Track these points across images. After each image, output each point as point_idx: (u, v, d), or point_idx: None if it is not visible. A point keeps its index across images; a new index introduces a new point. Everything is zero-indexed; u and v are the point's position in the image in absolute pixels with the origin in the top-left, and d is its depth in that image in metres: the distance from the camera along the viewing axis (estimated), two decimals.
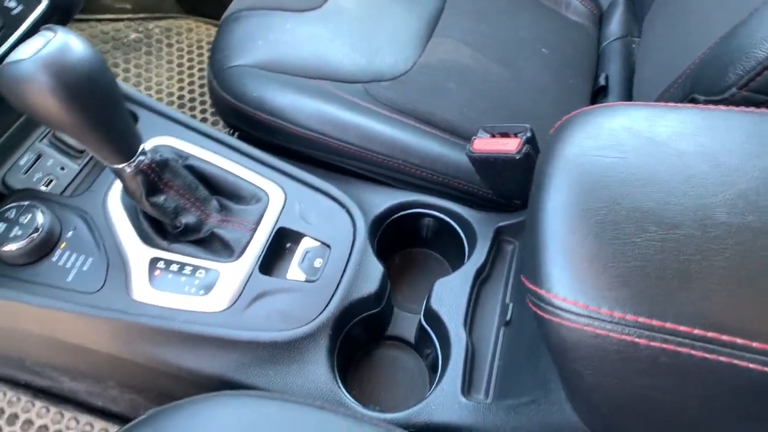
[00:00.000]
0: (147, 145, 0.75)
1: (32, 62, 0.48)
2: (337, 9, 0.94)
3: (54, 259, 0.66)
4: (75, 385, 0.89)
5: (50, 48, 0.49)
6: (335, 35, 0.91)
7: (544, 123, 0.89)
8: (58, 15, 0.70)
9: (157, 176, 0.64)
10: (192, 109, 1.44)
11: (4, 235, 0.64)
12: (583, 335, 0.38)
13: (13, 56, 0.49)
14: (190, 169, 0.72)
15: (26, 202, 0.66)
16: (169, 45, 1.56)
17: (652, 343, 0.37)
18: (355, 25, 0.93)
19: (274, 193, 0.74)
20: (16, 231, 0.64)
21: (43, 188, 0.73)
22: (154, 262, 0.66)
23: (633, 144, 0.44)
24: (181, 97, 1.46)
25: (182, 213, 0.67)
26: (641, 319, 0.37)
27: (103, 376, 0.74)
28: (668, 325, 0.36)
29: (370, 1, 0.97)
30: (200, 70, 1.52)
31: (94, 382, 0.80)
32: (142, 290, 0.64)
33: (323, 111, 0.79)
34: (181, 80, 1.50)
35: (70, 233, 0.68)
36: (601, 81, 1.02)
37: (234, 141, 0.77)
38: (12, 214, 0.65)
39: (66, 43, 0.50)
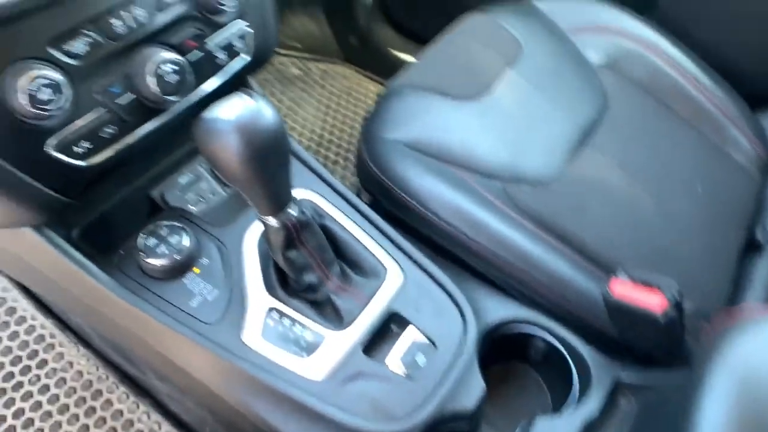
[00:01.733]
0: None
1: (229, 123, 0.53)
2: (495, 103, 0.95)
3: (185, 281, 0.70)
4: (159, 385, 0.94)
5: (246, 113, 0.54)
6: (487, 128, 0.92)
7: (688, 270, 0.84)
8: (256, 66, 0.77)
9: (297, 233, 0.67)
10: (327, 149, 1.52)
11: (152, 249, 0.69)
12: None
13: (213, 112, 0.54)
14: (324, 229, 0.75)
15: (178, 224, 0.72)
16: (323, 86, 1.67)
17: None
18: (508, 122, 0.94)
19: (394, 273, 0.74)
20: (162, 248, 0.69)
21: (192, 208, 0.79)
22: (270, 311, 0.68)
23: None
24: (321, 137, 1.55)
25: (307, 271, 0.69)
26: None
27: (189, 391, 0.78)
28: None
29: (529, 100, 0.97)
30: (344, 115, 1.61)
31: (178, 391, 0.84)
32: (253, 335, 0.67)
33: (459, 204, 0.80)
34: (325, 121, 1.59)
35: (205, 260, 0.72)
36: (758, 235, 0.94)
37: (370, 212, 0.79)
38: (164, 231, 0.71)
39: (260, 111, 0.55)
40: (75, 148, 0.58)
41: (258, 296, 0.69)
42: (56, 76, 0.53)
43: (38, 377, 1.07)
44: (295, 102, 1.61)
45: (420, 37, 1.60)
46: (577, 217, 0.84)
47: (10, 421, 1.02)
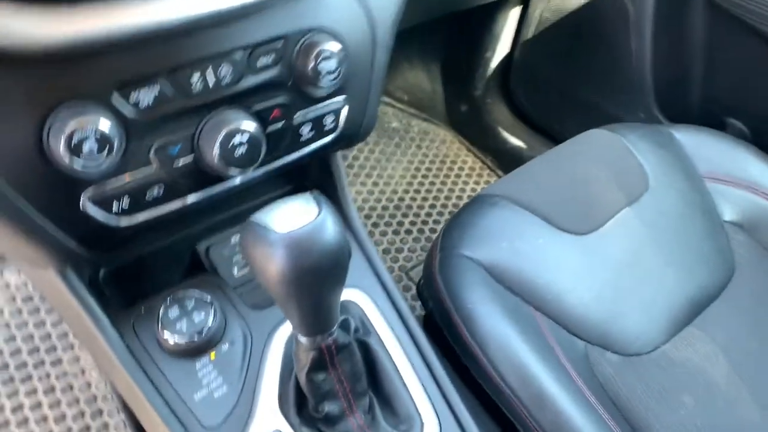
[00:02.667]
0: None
1: (280, 239, 0.44)
2: (603, 245, 0.82)
3: (197, 366, 0.62)
4: None
5: (303, 227, 0.45)
6: (585, 273, 0.79)
7: None
8: (342, 144, 0.69)
9: (330, 358, 0.57)
10: (404, 215, 1.43)
11: (171, 323, 0.62)
12: None
13: (266, 217, 0.46)
14: (365, 348, 0.65)
15: (208, 297, 0.64)
16: (419, 146, 1.58)
17: None
18: (611, 271, 0.80)
19: (429, 425, 0.63)
20: (182, 325, 0.62)
21: (235, 273, 0.72)
22: None
23: None
24: (401, 199, 1.46)
25: (331, 399, 0.59)
26: None
27: None
28: None
29: (642, 251, 0.83)
30: (431, 183, 1.52)
31: None
32: None
33: (527, 366, 0.66)
34: (410, 183, 1.50)
35: (225, 346, 0.64)
36: None
37: (422, 339, 0.68)
38: (191, 303, 0.63)
39: (322, 227, 0.46)
40: (114, 203, 0.51)
41: (267, 411, 0.60)
42: (110, 128, 0.45)
43: (48, 375, 1.03)
44: (386, 155, 1.54)
45: (535, 124, 1.48)
46: (661, 408, 0.69)
47: (7, 414, 0.99)
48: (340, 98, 0.63)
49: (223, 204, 0.71)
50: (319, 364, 0.57)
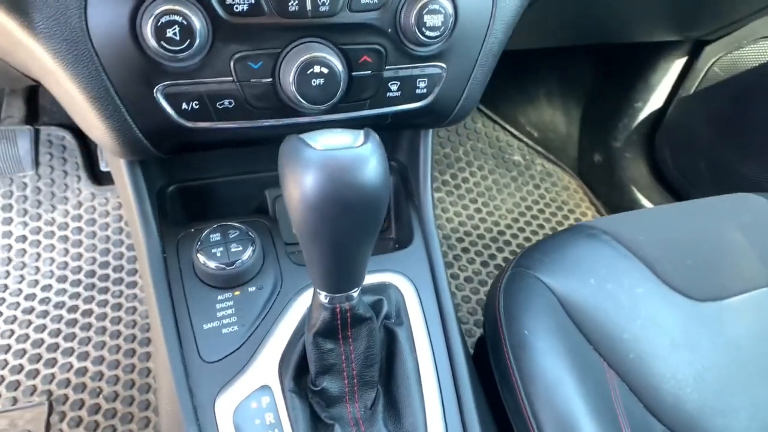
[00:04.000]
0: (377, 277, 0.63)
1: (316, 155, 0.39)
2: (722, 319, 0.66)
3: (219, 298, 0.59)
4: None
5: (346, 154, 0.40)
6: (687, 344, 0.63)
7: None
8: (433, 119, 0.63)
9: (342, 325, 0.50)
10: (500, 249, 1.31)
11: (209, 247, 0.59)
12: None
13: (311, 135, 0.41)
14: (390, 336, 0.57)
15: (253, 235, 0.61)
16: (537, 186, 1.47)
17: None
18: (724, 354, 0.64)
19: None
20: (218, 250, 0.59)
21: (294, 228, 0.68)
22: (263, 390, 0.53)
23: None
24: (501, 233, 1.35)
25: (332, 375, 0.52)
26: None
27: None
28: None
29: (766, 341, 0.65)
30: (540, 225, 1.39)
31: None
32: (226, 408, 0.53)
33: (574, 422, 0.53)
34: (516, 219, 1.39)
35: (252, 288, 0.60)
36: None
37: (459, 353, 0.58)
38: (234, 234, 0.61)
39: (365, 160, 0.40)
40: (183, 105, 0.51)
41: (265, 365, 0.55)
42: (198, 22, 0.45)
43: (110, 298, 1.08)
44: (498, 185, 1.44)
45: (675, 190, 1.30)
46: None
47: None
48: (440, 65, 0.57)
49: None
50: (329, 329, 0.50)
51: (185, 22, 0.45)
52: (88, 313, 1.05)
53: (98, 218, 1.15)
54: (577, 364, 0.57)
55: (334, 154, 0.40)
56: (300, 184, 0.40)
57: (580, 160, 1.50)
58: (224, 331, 0.57)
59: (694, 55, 1.18)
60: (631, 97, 1.32)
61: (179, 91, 0.49)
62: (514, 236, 1.35)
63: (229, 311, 0.58)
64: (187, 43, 0.46)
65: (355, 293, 0.49)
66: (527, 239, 1.35)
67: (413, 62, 0.56)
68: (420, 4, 0.51)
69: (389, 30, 0.53)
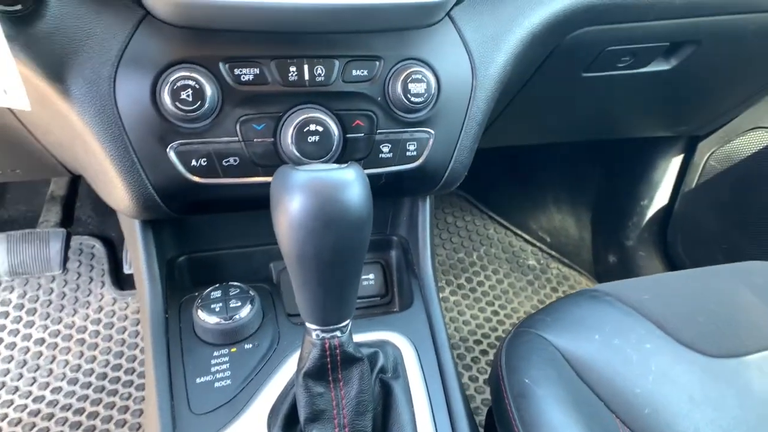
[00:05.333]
0: (375, 335, 0.63)
1: (300, 176, 0.43)
2: (744, 376, 0.61)
3: (214, 354, 0.59)
4: None
5: (329, 174, 0.43)
6: (708, 401, 0.59)
7: None
8: (425, 184, 0.68)
9: (332, 364, 0.49)
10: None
11: (209, 301, 0.61)
12: None
13: (302, 166, 0.45)
14: (385, 389, 0.55)
15: (251, 293, 0.63)
16: (554, 289, 1.45)
17: None
18: (750, 411, 0.59)
19: None
20: (217, 305, 0.61)
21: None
22: None
23: None
24: (499, 338, 1.30)
25: (321, 422, 0.50)
26: None
27: None
28: None
29: None
30: None
31: None
32: None
33: None
34: None
35: (248, 345, 0.60)
36: None
37: (459, 408, 0.55)
38: (236, 291, 0.63)
39: (346, 177, 0.43)
40: (193, 162, 0.56)
41: (253, 417, 0.54)
42: (209, 88, 0.52)
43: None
44: (514, 289, 1.43)
45: None
46: None
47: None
48: (428, 130, 0.63)
49: None
50: (318, 368, 0.49)
51: (197, 86, 0.52)
52: (93, 415, 1.03)
53: (116, 322, 1.17)
54: (584, 413, 0.53)
55: (318, 175, 0.43)
56: (286, 203, 0.43)
57: (595, 263, 1.49)
58: (216, 384, 0.56)
59: (689, 151, 1.23)
60: (636, 196, 1.35)
61: (190, 149, 0.55)
62: None
63: (224, 366, 0.58)
64: (198, 104, 0.53)
65: (344, 328, 0.49)
66: None
67: (402, 127, 0.62)
68: (404, 74, 0.58)
69: (379, 98, 0.59)
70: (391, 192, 0.67)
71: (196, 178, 0.56)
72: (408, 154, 0.63)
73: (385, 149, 0.62)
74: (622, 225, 1.39)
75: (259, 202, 0.63)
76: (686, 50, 0.82)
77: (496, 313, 1.36)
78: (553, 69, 0.78)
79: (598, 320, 0.65)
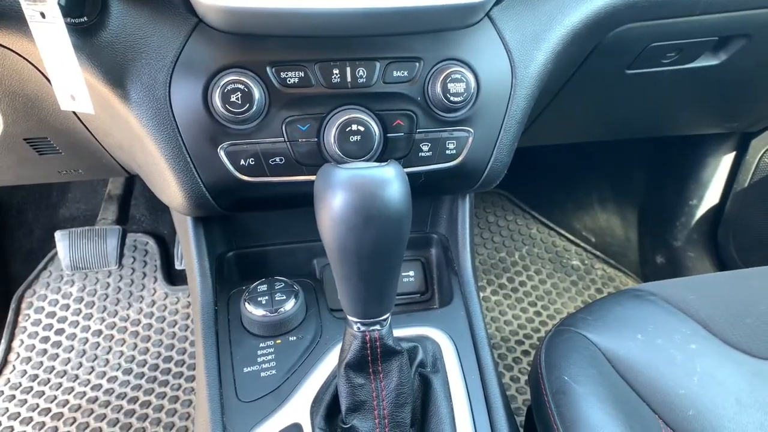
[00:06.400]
0: (415, 330, 0.64)
1: (345, 174, 0.45)
2: None
3: (261, 345, 0.62)
4: None
5: (370, 171, 0.45)
6: (757, 403, 0.57)
7: None
8: (465, 182, 0.69)
9: (372, 356, 0.51)
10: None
11: (256, 294, 0.64)
12: None
13: (344, 165, 0.47)
14: (425, 383, 0.56)
15: (296, 287, 0.65)
16: (599, 290, 1.42)
17: None
18: None
19: None
20: (264, 299, 0.63)
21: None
22: (295, 427, 0.53)
23: None
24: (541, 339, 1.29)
25: (362, 413, 0.51)
26: None
27: None
28: None
29: None
30: None
31: None
32: None
33: None
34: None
35: (293, 337, 0.62)
36: None
37: (498, 403, 0.56)
38: (281, 285, 0.65)
39: (386, 174, 0.45)
40: (242, 161, 0.59)
41: (297, 405, 0.56)
42: (257, 91, 0.55)
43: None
44: (558, 289, 1.41)
45: None
46: None
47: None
48: (467, 129, 0.64)
49: None
50: (359, 360, 0.51)
51: (246, 90, 0.55)
52: (146, 404, 1.08)
53: (168, 316, 1.23)
54: (624, 412, 0.53)
55: (359, 172, 0.45)
56: (328, 199, 0.45)
57: (642, 263, 1.45)
58: (263, 374, 0.59)
59: (741, 148, 1.19)
60: (684, 196, 1.31)
61: (239, 150, 0.58)
62: None
63: (269, 357, 0.61)
64: (247, 106, 0.55)
65: (384, 322, 0.50)
66: None
67: (442, 126, 0.63)
68: (444, 74, 0.59)
69: (419, 98, 0.61)
70: (430, 190, 0.68)
71: (244, 177, 0.59)
72: (447, 152, 0.64)
73: (425, 148, 0.63)
74: (670, 225, 1.36)
75: (304, 200, 0.66)
76: (736, 44, 0.79)
77: (538, 313, 1.35)
78: (596, 66, 0.77)
79: (641, 319, 0.64)
